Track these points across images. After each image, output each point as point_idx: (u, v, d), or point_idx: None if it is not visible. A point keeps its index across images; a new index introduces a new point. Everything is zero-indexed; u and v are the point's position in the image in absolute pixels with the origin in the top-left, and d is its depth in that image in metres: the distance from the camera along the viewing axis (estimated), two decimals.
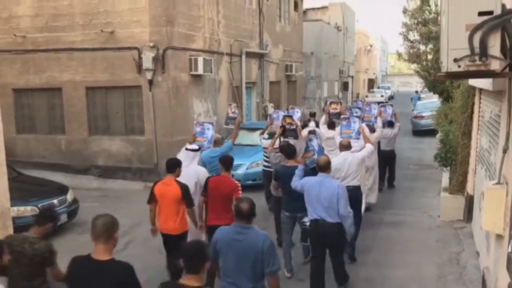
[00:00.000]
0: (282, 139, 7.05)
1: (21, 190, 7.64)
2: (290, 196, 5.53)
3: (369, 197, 8.12)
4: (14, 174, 8.22)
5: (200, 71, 11.62)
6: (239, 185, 5.31)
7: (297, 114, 9.05)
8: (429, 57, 17.72)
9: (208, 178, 5.49)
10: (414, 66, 19.74)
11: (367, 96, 36.58)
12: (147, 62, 10.81)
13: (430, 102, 20.74)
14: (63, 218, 7.80)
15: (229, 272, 3.46)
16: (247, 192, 5.65)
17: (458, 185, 8.21)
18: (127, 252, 6.66)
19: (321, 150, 6.90)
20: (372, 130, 8.04)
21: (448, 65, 3.53)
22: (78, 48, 11.48)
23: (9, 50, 11.95)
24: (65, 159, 11.98)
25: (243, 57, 14.56)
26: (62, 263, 6.20)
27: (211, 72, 12.30)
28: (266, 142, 8.07)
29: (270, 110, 16.35)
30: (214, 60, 12.60)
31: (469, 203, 7.67)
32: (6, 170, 6.68)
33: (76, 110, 11.83)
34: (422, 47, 18.24)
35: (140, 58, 10.94)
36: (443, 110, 12.28)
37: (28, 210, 7.37)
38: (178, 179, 5.23)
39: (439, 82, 15.48)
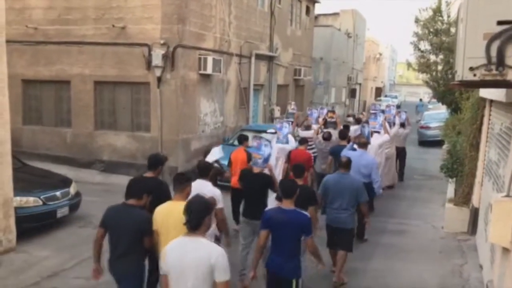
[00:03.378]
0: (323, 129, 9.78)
1: (25, 180, 7.60)
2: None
3: (384, 179, 9.74)
4: (19, 164, 8.17)
5: (209, 70, 11.59)
6: (312, 156, 8.33)
7: (314, 114, 11.22)
8: (439, 67, 17.60)
9: (290, 151, 7.97)
10: (423, 76, 19.60)
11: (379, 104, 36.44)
12: (157, 59, 10.78)
13: (438, 113, 20.83)
14: (65, 211, 7.73)
15: (333, 200, 5.63)
16: None
17: (464, 197, 8.19)
18: None
19: (369, 135, 9.15)
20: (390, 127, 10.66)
21: (463, 73, 3.48)
22: (88, 42, 11.44)
23: (20, 41, 11.95)
24: (70, 152, 11.91)
25: (253, 59, 14.56)
26: (60, 256, 5.97)
27: (220, 72, 12.29)
28: (304, 133, 10.02)
29: (277, 113, 16.50)
30: (224, 60, 12.59)
31: (474, 215, 7.62)
32: (11, 160, 6.72)
33: (83, 103, 11.83)
34: (432, 57, 18.11)
35: (150, 55, 10.91)
36: (451, 121, 12.35)
37: (30, 201, 7.28)
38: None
39: (448, 93, 15.45)
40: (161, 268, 3.27)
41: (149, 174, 5.14)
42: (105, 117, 11.86)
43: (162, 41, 10.83)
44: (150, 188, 4.42)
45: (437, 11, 17.52)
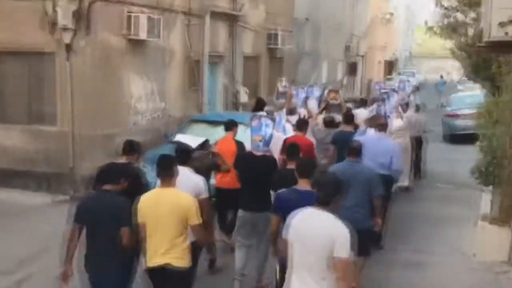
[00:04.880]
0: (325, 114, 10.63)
1: None
2: (343, 159, 7.29)
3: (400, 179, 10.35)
4: None
5: (143, 35, 11.61)
6: (313, 142, 9.10)
7: (301, 95, 11.98)
8: (470, 31, 17.87)
9: (285, 139, 8.43)
10: (448, 43, 19.88)
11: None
12: (65, 18, 10.70)
13: (470, 96, 21.02)
14: None
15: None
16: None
17: (504, 212, 8.35)
18: None
19: (386, 116, 9.97)
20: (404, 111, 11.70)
21: (491, 31, 3.54)
22: None
23: None
24: None
25: (207, 18, 14.61)
26: None
27: (159, 37, 12.27)
28: (287, 119, 10.28)
29: (244, 96, 16.64)
30: (164, 20, 12.56)
31: None
32: None
33: None
34: (460, 16, 18.24)
35: (54, 11, 10.81)
36: (487, 105, 12.28)
37: None
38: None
39: (483, 66, 15.66)
40: (283, 233, 4.51)
41: (123, 159, 6.10)
42: None
43: None
44: (127, 173, 5.34)
45: None
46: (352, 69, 33.02)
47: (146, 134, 12.34)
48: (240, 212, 6.96)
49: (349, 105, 14.53)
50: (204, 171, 6.84)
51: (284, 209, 5.04)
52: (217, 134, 9.92)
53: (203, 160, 7.13)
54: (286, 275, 4.51)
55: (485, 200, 9.73)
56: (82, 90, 11.10)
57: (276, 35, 18.92)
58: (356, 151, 6.76)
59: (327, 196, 4.35)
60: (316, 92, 12.34)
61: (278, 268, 5.56)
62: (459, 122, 19.27)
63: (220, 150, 8.03)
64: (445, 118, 20.34)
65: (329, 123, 10.27)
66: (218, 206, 8.33)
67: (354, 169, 6.56)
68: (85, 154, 10.99)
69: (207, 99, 15.16)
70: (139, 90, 12.36)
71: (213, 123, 11.34)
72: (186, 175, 5.74)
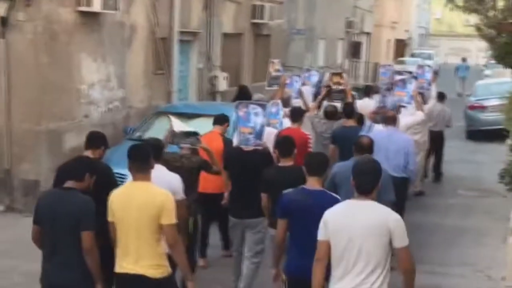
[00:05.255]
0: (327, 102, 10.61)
1: None
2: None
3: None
4: None
5: (97, 6, 11.27)
6: (309, 137, 9.12)
7: (314, 78, 12.06)
8: (500, 3, 17.37)
9: (278, 132, 8.48)
10: (473, 18, 19.49)
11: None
12: None
13: (500, 83, 20.80)
14: None
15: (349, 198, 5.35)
16: None
17: None
18: None
19: (394, 107, 9.81)
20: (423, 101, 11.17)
21: None
22: None
23: None
24: None
25: None
26: None
27: (117, 9, 11.94)
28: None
29: (222, 83, 16.31)
30: None
31: None
32: None
33: None
34: None
35: None
36: None
37: None
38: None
39: None
40: (320, 234, 4.66)
41: (87, 154, 6.23)
42: None
43: None
44: (93, 168, 5.40)
45: None
46: (355, 50, 32.69)
47: (100, 128, 11.46)
48: (231, 220, 7.19)
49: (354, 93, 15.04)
50: (193, 171, 6.99)
51: (292, 213, 5.37)
52: (193, 126, 9.47)
53: (192, 159, 7.13)
54: (332, 279, 4.67)
55: None
56: (21, 74, 10.77)
57: (262, 7, 18.46)
58: (366, 148, 6.77)
59: (369, 184, 4.56)
60: (314, 78, 12.11)
61: (285, 278, 5.55)
62: (486, 116, 19.03)
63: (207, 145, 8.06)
64: (468, 110, 19.99)
65: (332, 115, 10.06)
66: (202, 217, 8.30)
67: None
68: (25, 153, 10.67)
69: (177, 87, 15.01)
70: (92, 75, 12.00)
71: (185, 115, 11.09)
72: (158, 170, 5.71)
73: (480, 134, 18.93)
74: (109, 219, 5.09)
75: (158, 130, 9.93)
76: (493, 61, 28.57)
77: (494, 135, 16.78)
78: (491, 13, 17.90)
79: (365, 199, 4.53)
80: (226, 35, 17.23)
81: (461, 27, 51.38)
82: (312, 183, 5.40)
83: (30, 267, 8.19)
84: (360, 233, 4.43)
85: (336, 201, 5.11)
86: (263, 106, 7.75)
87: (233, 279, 7.24)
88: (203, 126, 9.61)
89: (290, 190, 5.59)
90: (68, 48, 11.21)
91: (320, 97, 10.98)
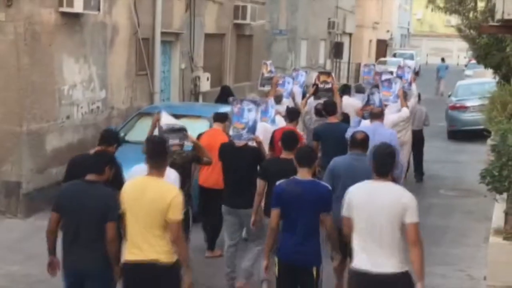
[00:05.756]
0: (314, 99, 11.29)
1: None
2: (329, 156, 7.80)
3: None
4: None
5: (78, 7, 11.15)
6: (304, 136, 9.54)
7: (301, 77, 12.66)
8: (480, 4, 17.49)
9: (273, 131, 8.79)
10: (455, 19, 19.53)
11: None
12: None
13: (481, 83, 20.87)
14: None
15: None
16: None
17: None
18: None
19: (381, 104, 10.33)
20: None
21: (505, 8, 3.75)
22: None
23: None
24: None
25: None
26: None
27: (99, 10, 11.82)
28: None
29: (205, 84, 16.32)
30: None
31: None
32: None
33: None
34: None
35: None
36: (500, 96, 12.26)
37: None
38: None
39: (495, 47, 15.64)
40: (345, 211, 5.24)
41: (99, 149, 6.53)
42: None
43: None
44: (113, 161, 5.77)
45: None
46: (337, 50, 32.72)
47: (82, 130, 12.15)
48: (224, 209, 7.48)
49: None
50: (185, 166, 7.20)
51: (285, 202, 5.72)
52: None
53: (182, 154, 7.35)
54: (354, 252, 5.17)
55: (498, 211, 9.21)
56: (2, 75, 10.63)
57: (245, 8, 18.43)
58: (361, 143, 7.02)
59: (385, 166, 5.14)
60: (301, 77, 12.64)
61: (276, 261, 5.87)
62: (467, 116, 19.00)
63: (207, 144, 8.14)
64: (449, 110, 20.00)
65: (321, 112, 10.40)
66: (204, 208, 8.74)
67: (359, 164, 6.79)
68: (6, 155, 10.45)
69: (160, 87, 14.93)
70: (74, 76, 11.81)
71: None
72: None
73: (462, 134, 18.91)
74: (122, 209, 5.30)
75: (140, 131, 9.86)
76: (474, 62, 28.65)
77: (475, 135, 16.73)
78: (471, 15, 17.88)
79: (384, 180, 5.12)
80: (208, 36, 17.21)
81: (442, 27, 51.60)
82: (303, 174, 5.81)
83: (12, 269, 8.17)
84: (379, 210, 5.00)
85: (326, 190, 5.80)
86: (256, 103, 8.01)
87: (228, 271, 7.42)
88: (186, 127, 9.32)
89: (282, 180, 5.92)
90: (50, 49, 11.09)
91: (308, 95, 11.64)
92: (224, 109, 10.21)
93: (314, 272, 5.59)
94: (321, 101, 10.90)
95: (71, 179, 5.77)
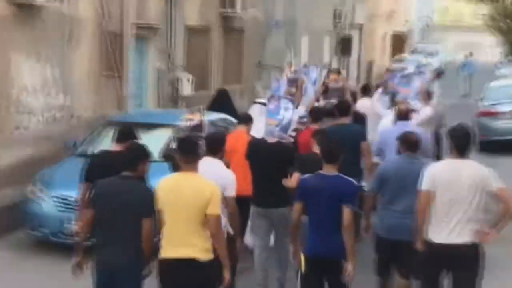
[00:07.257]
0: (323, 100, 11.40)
1: None
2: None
3: None
4: None
5: None
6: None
7: (312, 73, 12.05)
8: None
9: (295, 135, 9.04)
10: (486, 8, 18.89)
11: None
12: None
13: None
14: None
15: (394, 198, 6.94)
16: None
17: None
18: None
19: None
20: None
21: None
22: None
23: None
24: None
25: None
26: None
27: (60, 0, 11.77)
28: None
29: (187, 87, 15.92)
30: None
31: None
32: None
33: None
34: None
35: None
36: None
37: None
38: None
39: None
40: (424, 185, 6.09)
41: (117, 148, 6.87)
42: None
43: None
44: (146, 154, 6.00)
45: None
46: (344, 46, 31.61)
47: (37, 143, 11.79)
48: (253, 209, 7.69)
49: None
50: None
51: (308, 196, 6.14)
52: (147, 141, 8.33)
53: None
54: (431, 227, 5.98)
55: None
56: None
57: None
58: (414, 144, 7.24)
59: (464, 146, 5.95)
60: (312, 74, 12.39)
61: (303, 258, 6.20)
62: (500, 124, 18.11)
63: (232, 146, 8.27)
64: (478, 117, 18.69)
65: (332, 112, 10.62)
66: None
67: (411, 166, 7.01)
68: None
69: (132, 91, 14.56)
70: (29, 78, 11.58)
71: (141, 126, 10.21)
72: (215, 165, 6.60)
73: (494, 145, 17.75)
74: (157, 207, 5.67)
75: (108, 144, 9.19)
76: (506, 60, 28.03)
77: (510, 146, 16.72)
78: (502, 3, 17.23)
79: (464, 158, 5.92)
80: (190, 30, 17.02)
81: (472, 18, 49.84)
82: (328, 169, 6.20)
83: None
84: (464, 186, 5.79)
85: (351, 184, 6.15)
86: (293, 102, 8.51)
87: (260, 278, 7.60)
88: (162, 138, 9.79)
89: (307, 175, 6.40)
90: (0, 45, 10.76)
91: (317, 95, 11.87)
92: (216, 116, 10.62)
93: (343, 264, 5.94)
94: (330, 101, 11.23)
95: (92, 174, 6.58)
